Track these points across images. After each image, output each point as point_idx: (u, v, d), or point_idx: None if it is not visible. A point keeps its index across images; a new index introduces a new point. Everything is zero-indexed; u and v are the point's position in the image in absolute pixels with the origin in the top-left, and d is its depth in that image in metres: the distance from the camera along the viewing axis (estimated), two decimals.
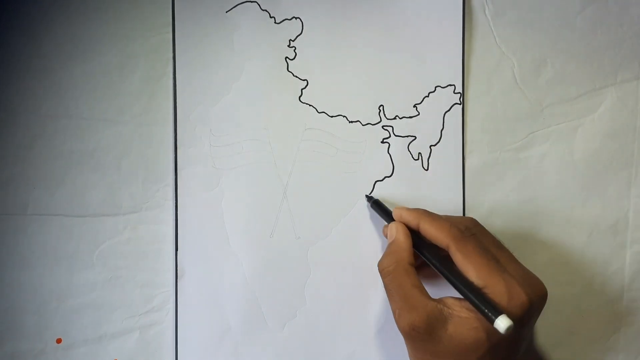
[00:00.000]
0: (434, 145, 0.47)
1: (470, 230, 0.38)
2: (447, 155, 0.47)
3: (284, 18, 0.47)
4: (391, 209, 0.43)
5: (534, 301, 0.35)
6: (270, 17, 0.46)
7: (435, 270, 0.38)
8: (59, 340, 0.45)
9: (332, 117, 0.47)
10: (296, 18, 0.47)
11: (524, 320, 0.34)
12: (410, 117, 0.47)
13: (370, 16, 0.47)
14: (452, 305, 0.35)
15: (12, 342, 0.45)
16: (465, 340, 0.34)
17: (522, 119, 0.48)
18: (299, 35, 0.47)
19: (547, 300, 0.47)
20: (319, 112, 0.47)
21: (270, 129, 0.46)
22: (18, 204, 0.45)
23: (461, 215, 0.47)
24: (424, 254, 0.39)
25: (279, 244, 0.46)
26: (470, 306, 0.34)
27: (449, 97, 0.47)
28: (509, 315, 0.32)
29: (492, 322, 0.32)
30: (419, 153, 0.47)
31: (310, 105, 0.47)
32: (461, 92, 0.47)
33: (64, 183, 0.45)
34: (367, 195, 0.46)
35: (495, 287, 0.34)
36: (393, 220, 0.42)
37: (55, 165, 0.45)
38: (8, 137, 0.45)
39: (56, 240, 0.45)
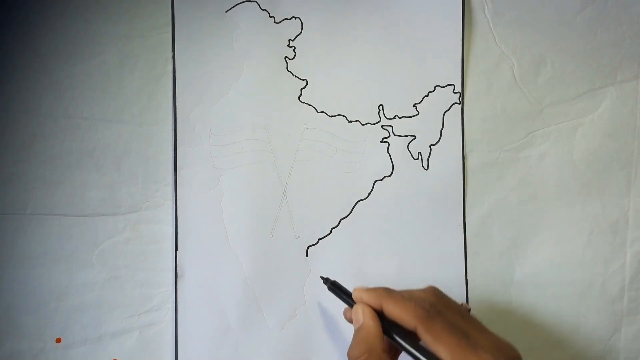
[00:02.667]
0: (433, 145, 0.47)
1: (435, 307, 0.36)
2: (447, 155, 0.47)
3: (283, 18, 0.47)
4: (350, 289, 0.40)
5: None
6: (270, 16, 0.46)
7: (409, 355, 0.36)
8: (58, 340, 0.45)
9: (331, 116, 0.47)
10: (296, 18, 0.47)
11: None
12: (410, 117, 0.47)
13: (369, 16, 0.47)
14: None
15: (11, 342, 0.45)
16: None
17: (521, 119, 0.48)
18: (299, 35, 0.47)
19: (547, 301, 0.48)
20: (319, 112, 0.47)
21: (269, 129, 0.46)
22: (17, 204, 0.45)
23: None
24: (395, 339, 0.37)
25: (278, 244, 0.46)
26: None
27: (449, 97, 0.47)
28: None
29: None
30: (419, 152, 0.47)
31: (309, 105, 0.47)
32: (461, 91, 0.47)
33: (63, 183, 0.45)
34: (322, 277, 0.44)
35: None
36: (353, 301, 0.39)
37: (54, 165, 0.45)
38: (8, 137, 0.45)
39: (56, 240, 0.45)
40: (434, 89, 0.47)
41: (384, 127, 0.47)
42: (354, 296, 0.39)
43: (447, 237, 0.47)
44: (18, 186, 0.45)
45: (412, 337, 0.36)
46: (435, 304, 0.36)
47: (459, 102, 0.47)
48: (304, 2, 0.47)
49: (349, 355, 0.36)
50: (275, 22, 0.47)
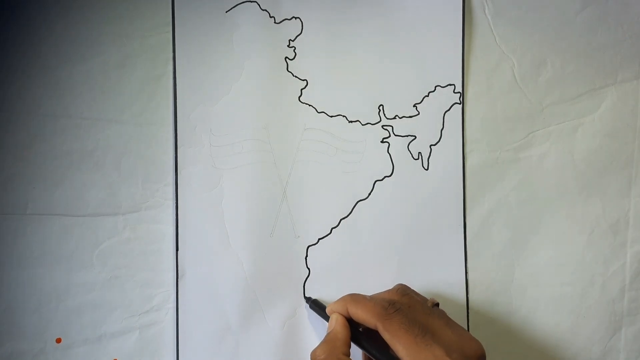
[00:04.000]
0: (434, 145, 0.47)
1: (394, 305, 0.37)
2: (447, 155, 0.47)
3: (283, 18, 0.47)
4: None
5: None
6: (270, 17, 0.46)
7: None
8: (58, 340, 0.45)
9: (331, 116, 0.47)
10: (296, 18, 0.47)
11: None
12: (410, 117, 0.47)
13: (370, 16, 0.47)
14: None
15: (11, 342, 0.45)
16: None
17: (522, 119, 0.48)
18: (299, 35, 0.47)
19: (547, 301, 0.48)
20: (319, 112, 0.47)
21: (270, 129, 0.46)
22: (17, 204, 0.45)
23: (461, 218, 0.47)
24: (362, 345, 0.39)
25: (278, 243, 0.46)
26: None
27: (449, 97, 0.47)
28: None
29: None
30: (419, 153, 0.47)
31: (309, 105, 0.47)
32: (461, 91, 0.47)
33: (63, 183, 0.45)
34: (305, 297, 0.46)
35: None
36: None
37: (54, 165, 0.45)
38: (7, 137, 0.45)
39: (56, 240, 0.45)
40: (435, 89, 0.47)
41: (384, 127, 0.47)
42: (327, 309, 0.41)
43: (447, 237, 0.47)
44: (18, 186, 0.45)
45: (381, 345, 0.37)
46: (396, 302, 0.38)
47: (459, 102, 0.47)
48: (304, 2, 0.47)
49: (311, 354, 0.38)
50: (275, 22, 0.46)
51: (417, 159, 0.47)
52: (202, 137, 0.46)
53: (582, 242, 0.48)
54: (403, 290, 0.40)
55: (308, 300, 0.45)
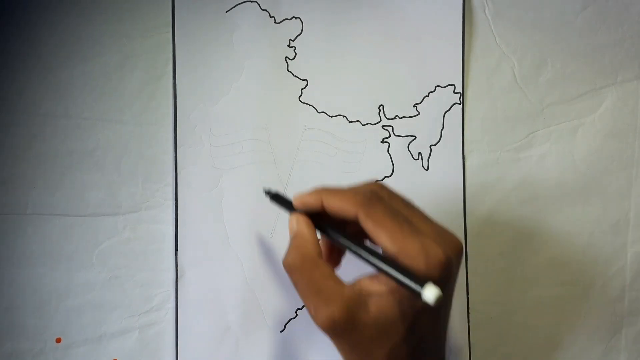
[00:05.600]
0: (434, 145, 0.47)
1: (376, 194, 0.35)
2: (447, 155, 0.47)
3: (284, 18, 0.47)
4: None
5: (451, 257, 0.32)
6: (270, 16, 0.46)
7: (349, 252, 0.35)
8: (58, 340, 0.45)
9: (332, 117, 0.47)
10: (296, 18, 0.47)
11: (445, 279, 0.32)
12: (410, 117, 0.47)
13: (370, 16, 0.47)
14: (369, 285, 0.33)
15: (11, 342, 0.45)
16: (389, 318, 0.32)
17: (522, 119, 0.48)
18: (299, 35, 0.47)
19: (547, 300, 0.48)
20: (319, 112, 0.47)
21: (270, 129, 0.46)
22: (17, 204, 0.45)
23: (463, 217, 0.47)
24: (330, 236, 0.36)
25: (279, 244, 0.46)
26: (386, 279, 0.32)
27: (449, 97, 0.47)
28: (428, 277, 0.31)
29: (420, 295, 0.30)
30: (419, 153, 0.47)
31: (310, 105, 0.47)
32: (461, 91, 0.47)
33: (63, 183, 0.45)
34: (264, 189, 0.42)
35: (410, 249, 0.32)
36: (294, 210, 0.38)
37: (54, 165, 0.45)
38: (8, 137, 0.45)
39: (56, 240, 0.45)
40: (435, 89, 0.47)
41: (385, 128, 0.47)
42: (294, 202, 0.38)
43: None
44: (18, 186, 0.45)
45: (351, 234, 0.35)
46: (377, 191, 0.35)
47: (459, 102, 0.47)
48: (304, 2, 0.47)
49: (283, 263, 0.36)
50: (275, 22, 0.47)
51: (417, 159, 0.47)
52: (202, 137, 0.46)
53: (582, 243, 0.48)
54: (380, 185, 0.37)
55: (268, 193, 0.42)
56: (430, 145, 0.47)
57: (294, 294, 0.46)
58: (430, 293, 0.29)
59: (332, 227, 0.36)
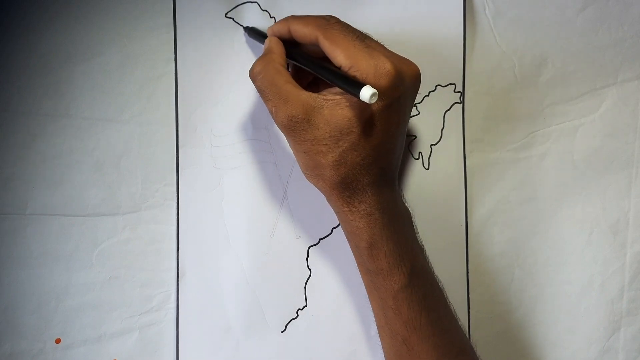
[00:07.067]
0: (434, 145, 0.47)
1: (336, 18, 0.38)
2: (447, 155, 0.47)
3: None
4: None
5: (402, 72, 0.35)
6: (271, 17, 0.46)
7: (310, 71, 0.39)
8: (58, 340, 0.45)
9: None
10: None
11: (393, 90, 0.35)
12: (411, 116, 0.47)
13: (370, 16, 0.47)
14: (325, 93, 0.36)
15: (11, 342, 0.45)
16: (340, 121, 0.35)
17: (522, 119, 0.48)
18: None
19: (547, 300, 0.48)
20: None
21: (270, 129, 0.46)
22: (17, 204, 0.45)
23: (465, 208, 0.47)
24: (294, 56, 0.40)
25: (279, 244, 0.46)
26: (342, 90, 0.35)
27: (450, 96, 0.47)
28: (375, 86, 0.32)
29: (357, 95, 0.32)
30: (420, 152, 0.47)
31: None
32: (462, 91, 0.47)
33: (63, 183, 0.45)
34: (243, 27, 0.46)
35: (362, 63, 0.34)
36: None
37: (54, 164, 0.45)
38: (8, 137, 0.44)
39: (55, 240, 0.45)
40: (435, 89, 0.47)
41: None
42: (267, 31, 0.42)
43: (448, 237, 0.47)
44: (18, 186, 0.45)
45: (315, 58, 0.38)
46: (338, 18, 0.38)
47: (459, 101, 0.47)
48: (304, 2, 0.46)
49: (249, 72, 0.39)
50: (276, 22, 0.46)
51: (418, 158, 0.47)
52: (202, 138, 0.46)
53: (581, 242, 0.48)
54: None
55: (246, 29, 0.45)
56: (431, 145, 0.47)
57: (295, 294, 0.46)
58: (366, 92, 0.31)
59: (299, 52, 0.40)
